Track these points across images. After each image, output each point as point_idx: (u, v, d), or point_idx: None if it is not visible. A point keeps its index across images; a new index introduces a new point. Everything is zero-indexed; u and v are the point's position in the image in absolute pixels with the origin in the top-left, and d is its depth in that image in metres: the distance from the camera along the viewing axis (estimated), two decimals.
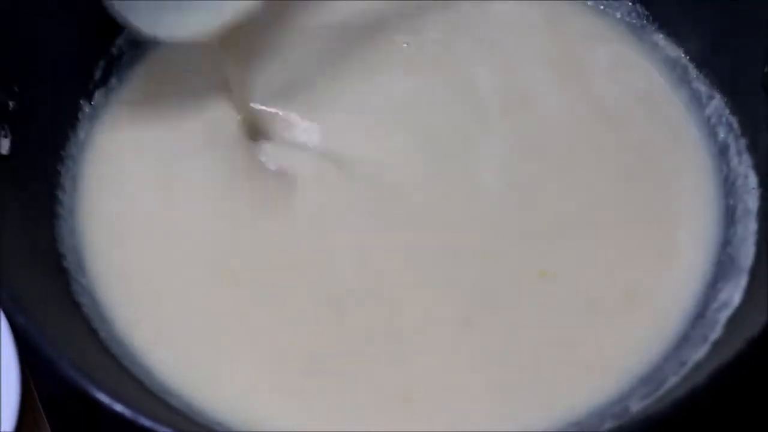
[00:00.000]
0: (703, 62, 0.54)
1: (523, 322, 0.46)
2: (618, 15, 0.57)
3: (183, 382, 0.44)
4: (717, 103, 0.52)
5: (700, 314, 0.46)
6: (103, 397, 0.38)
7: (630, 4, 0.57)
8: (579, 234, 0.49)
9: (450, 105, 0.53)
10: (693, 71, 0.54)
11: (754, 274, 0.46)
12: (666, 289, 0.47)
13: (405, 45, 0.56)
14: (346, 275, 0.47)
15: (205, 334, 0.46)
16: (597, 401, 0.44)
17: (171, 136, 0.52)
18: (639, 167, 0.51)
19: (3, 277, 0.41)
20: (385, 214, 0.49)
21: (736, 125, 0.51)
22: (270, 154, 0.52)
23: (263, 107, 0.53)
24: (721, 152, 0.51)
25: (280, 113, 0.53)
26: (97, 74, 0.53)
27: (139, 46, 0.55)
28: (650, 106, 0.54)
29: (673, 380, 0.43)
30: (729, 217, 0.49)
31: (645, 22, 0.56)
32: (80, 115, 0.52)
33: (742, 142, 0.51)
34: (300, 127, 0.52)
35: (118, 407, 0.38)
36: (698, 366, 0.43)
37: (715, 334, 0.44)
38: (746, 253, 0.47)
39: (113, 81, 0.54)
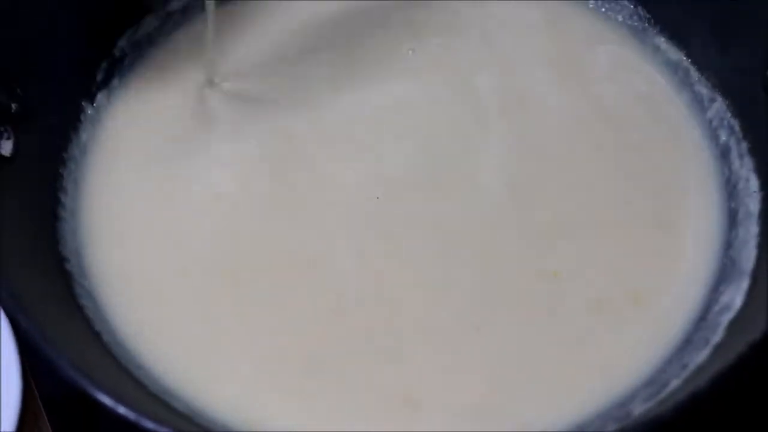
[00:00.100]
0: (704, 65, 0.54)
1: (523, 322, 0.46)
2: (619, 18, 0.57)
3: (183, 382, 0.44)
4: (718, 106, 0.52)
5: (702, 317, 0.46)
6: (103, 398, 0.38)
7: (632, 6, 0.57)
8: (578, 235, 0.49)
9: (450, 105, 0.53)
10: (695, 74, 0.54)
11: (756, 277, 0.46)
12: (668, 292, 0.47)
13: (407, 47, 0.56)
14: (346, 275, 0.47)
15: (206, 335, 0.46)
16: (599, 403, 0.44)
17: (172, 137, 0.52)
18: (640, 169, 0.51)
19: (5, 278, 0.41)
20: (386, 214, 0.49)
21: (737, 128, 0.51)
22: (270, 154, 0.52)
23: (263, 107, 0.53)
24: (723, 155, 0.52)
25: (281, 113, 0.53)
26: (99, 76, 0.53)
27: (141, 48, 0.55)
28: (651, 109, 0.54)
29: (674, 383, 0.43)
30: (731, 219, 0.49)
31: (646, 24, 0.57)
32: (82, 117, 0.52)
33: (744, 145, 0.51)
34: (300, 127, 0.53)
35: (119, 408, 0.38)
36: (700, 369, 0.43)
37: (717, 337, 0.44)
38: (748, 256, 0.47)
39: (115, 82, 0.54)
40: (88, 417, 0.44)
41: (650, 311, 0.47)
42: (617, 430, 0.40)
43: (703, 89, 0.53)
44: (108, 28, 0.52)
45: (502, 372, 0.45)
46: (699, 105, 0.53)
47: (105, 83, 0.54)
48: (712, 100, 0.53)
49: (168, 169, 0.51)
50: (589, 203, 0.50)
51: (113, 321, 0.46)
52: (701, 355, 0.43)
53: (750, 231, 0.48)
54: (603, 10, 0.58)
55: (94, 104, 0.53)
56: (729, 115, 0.52)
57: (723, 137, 0.52)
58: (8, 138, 0.47)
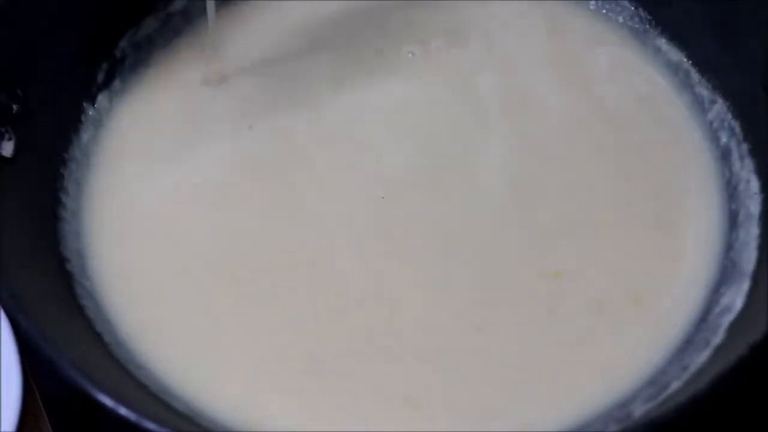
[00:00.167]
0: (705, 67, 0.54)
1: (524, 322, 0.46)
2: (620, 19, 0.57)
3: (183, 382, 0.44)
4: (719, 107, 0.52)
5: (703, 318, 0.46)
6: (103, 399, 0.38)
7: (632, 8, 0.57)
8: (579, 235, 0.49)
9: (451, 105, 0.53)
10: (695, 76, 0.54)
11: (757, 278, 0.46)
12: (668, 293, 0.47)
13: (407, 47, 0.56)
14: (347, 275, 0.47)
15: (206, 335, 0.46)
16: (599, 404, 0.44)
17: (173, 138, 0.52)
18: (641, 171, 0.51)
19: (5, 278, 0.41)
20: (386, 214, 0.49)
21: (738, 130, 0.51)
22: (270, 154, 0.52)
23: (263, 107, 0.53)
24: (724, 157, 0.52)
25: (281, 114, 0.53)
26: (100, 77, 0.53)
27: (142, 49, 0.55)
28: (652, 110, 0.54)
29: (675, 384, 0.43)
30: (731, 221, 0.49)
31: (647, 26, 0.57)
32: (83, 118, 0.52)
33: (744, 146, 0.51)
34: (300, 127, 0.53)
35: (120, 409, 0.38)
36: (701, 370, 0.43)
37: (718, 338, 0.44)
38: (748, 257, 0.47)
39: (116, 83, 0.54)
40: (88, 417, 0.44)
41: (651, 312, 0.47)
42: (618, 431, 0.40)
43: (704, 91, 0.53)
44: (108, 29, 0.52)
45: (503, 372, 0.45)
46: (700, 106, 0.53)
47: (106, 84, 0.54)
48: (713, 102, 0.53)
49: (168, 170, 0.51)
50: (590, 204, 0.50)
51: (114, 321, 0.46)
52: (702, 357, 0.43)
53: (751, 233, 0.48)
54: (604, 11, 0.58)
55: (95, 105, 0.53)
56: (730, 116, 0.52)
57: (724, 139, 0.52)
58: (9, 139, 0.47)
